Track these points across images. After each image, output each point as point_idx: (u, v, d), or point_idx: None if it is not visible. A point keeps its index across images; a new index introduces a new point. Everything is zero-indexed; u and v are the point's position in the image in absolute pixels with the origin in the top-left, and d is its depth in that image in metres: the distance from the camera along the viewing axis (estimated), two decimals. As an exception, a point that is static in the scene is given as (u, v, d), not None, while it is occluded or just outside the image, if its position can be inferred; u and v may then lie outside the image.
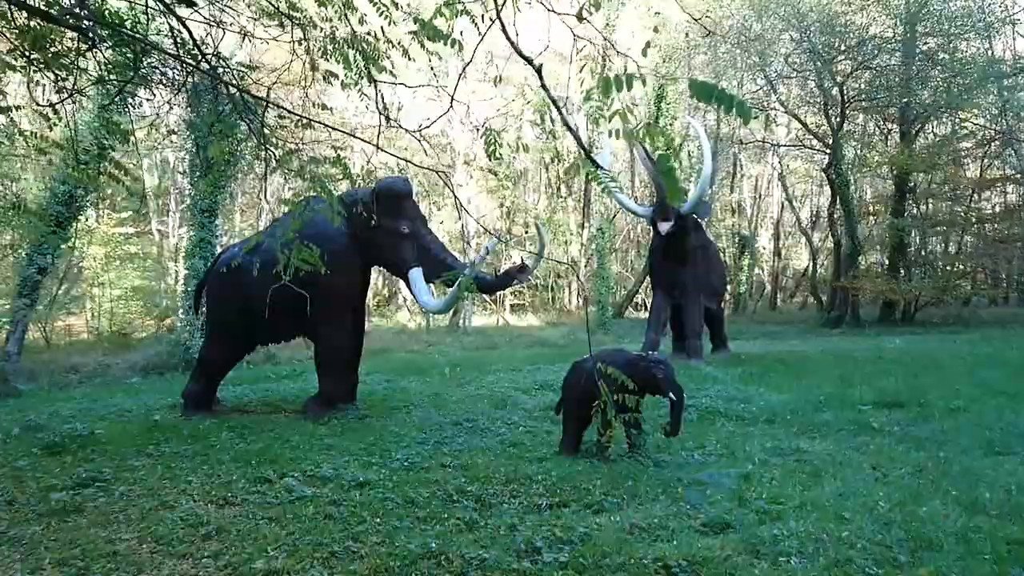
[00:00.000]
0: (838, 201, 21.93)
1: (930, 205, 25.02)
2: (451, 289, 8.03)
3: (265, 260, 8.61)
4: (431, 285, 8.50)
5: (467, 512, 4.93)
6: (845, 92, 19.87)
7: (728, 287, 31.40)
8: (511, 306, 30.01)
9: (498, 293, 27.63)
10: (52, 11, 4.79)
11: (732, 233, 29.85)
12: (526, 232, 32.28)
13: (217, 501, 5.34)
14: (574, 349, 16.92)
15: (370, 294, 28.78)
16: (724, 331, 14.39)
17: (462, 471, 5.96)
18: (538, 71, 3.09)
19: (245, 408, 9.43)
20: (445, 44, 4.37)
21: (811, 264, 28.41)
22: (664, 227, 12.22)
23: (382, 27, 5.25)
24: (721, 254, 32.50)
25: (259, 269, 8.49)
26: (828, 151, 21.65)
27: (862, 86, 20.46)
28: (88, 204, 15.51)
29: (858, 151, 24.49)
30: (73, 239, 15.45)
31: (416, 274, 8.36)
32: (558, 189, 31.45)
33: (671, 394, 6.04)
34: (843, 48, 18.87)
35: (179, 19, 4.48)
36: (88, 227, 19.21)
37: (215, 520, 4.88)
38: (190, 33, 4.57)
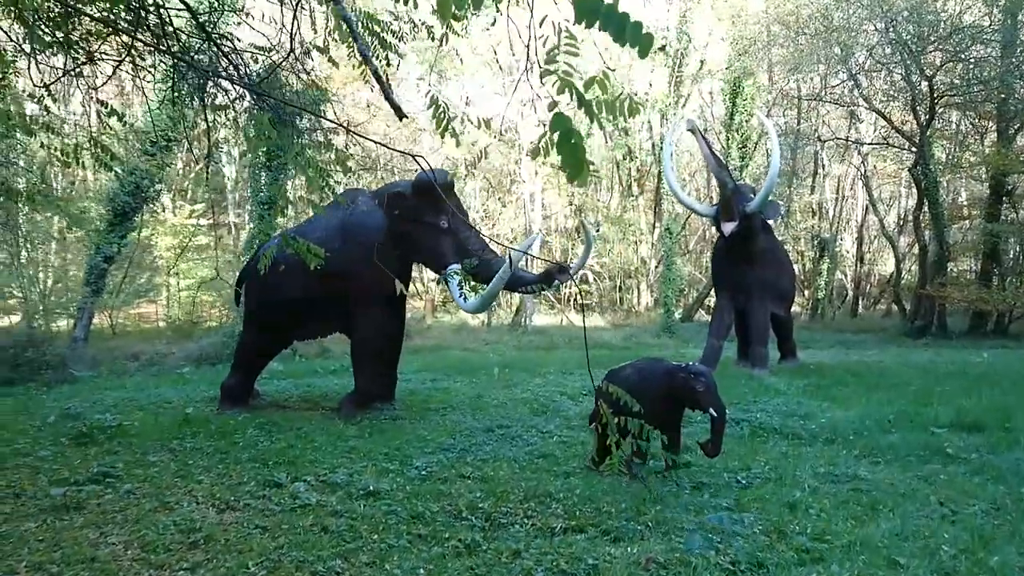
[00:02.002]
0: (925, 203, 20.51)
1: (1030, 209, 23.20)
2: (486, 288, 7.66)
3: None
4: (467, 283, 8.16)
5: (472, 532, 4.52)
6: (935, 86, 18.50)
7: (805, 292, 30.16)
8: (577, 306, 29.38)
9: (563, 292, 27.15)
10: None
11: (811, 235, 28.44)
12: (597, 231, 31.65)
13: (219, 505, 5.11)
14: (635, 352, 16.30)
15: (437, 290, 28.71)
16: (793, 339, 13.53)
17: (480, 484, 5.56)
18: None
19: (284, 403, 9.28)
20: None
21: (896, 270, 26.78)
22: (728, 228, 11.50)
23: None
24: (800, 257, 31.26)
25: (293, 263, 8.31)
26: (915, 150, 20.24)
27: (954, 80, 19.00)
28: (154, 194, 15.76)
29: (950, 150, 22.91)
30: (139, 229, 15.74)
31: (454, 271, 7.98)
32: (629, 187, 30.67)
33: (712, 410, 5.48)
34: (933, 39, 17.52)
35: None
36: (157, 218, 19.59)
37: (208, 527, 4.63)
38: (190, 10, 4.29)
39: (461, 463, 6.17)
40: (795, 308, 30.60)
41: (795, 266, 31.71)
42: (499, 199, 27.03)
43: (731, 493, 5.33)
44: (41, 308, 15.60)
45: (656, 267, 29.45)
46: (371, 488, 5.36)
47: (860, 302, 31.01)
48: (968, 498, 5.23)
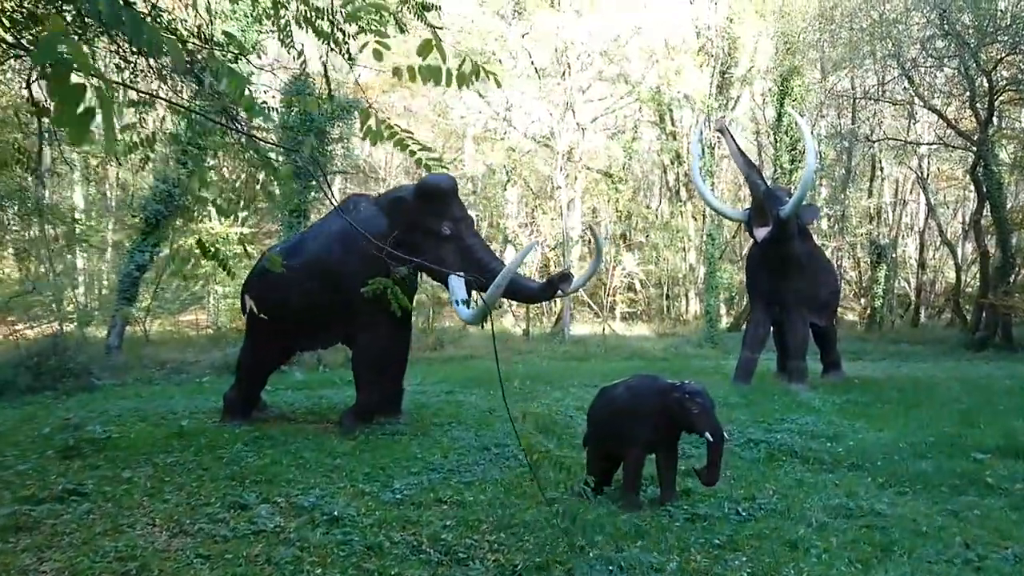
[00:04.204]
0: (987, 207, 19.25)
1: (1106, 212, 21.61)
2: (484, 296, 7.26)
3: (302, 262, 8.18)
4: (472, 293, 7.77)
5: (423, 569, 4.12)
6: (994, 81, 17.32)
7: (862, 300, 28.78)
8: (622, 315, 28.73)
9: (605, 300, 26.56)
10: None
11: (868, 241, 27.15)
12: (646, 238, 30.91)
13: (173, 528, 4.83)
14: (673, 364, 15.71)
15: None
16: (836, 351, 12.73)
17: (456, 510, 5.16)
18: None
19: (289, 416, 9.03)
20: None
21: (956, 278, 25.36)
22: (761, 233, 10.83)
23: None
24: (857, 264, 29.87)
25: (295, 271, 8.05)
26: (973, 150, 18.98)
27: (1016, 74, 17.71)
28: (187, 204, 15.80)
29: (1016, 150, 21.47)
30: (172, 237, 15.81)
31: (455, 281, 7.60)
32: (677, 193, 29.87)
33: (708, 433, 4.97)
34: (991, 29, 16.33)
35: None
36: (200, 226, 19.69)
37: (149, 554, 4.34)
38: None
39: (443, 486, 5.76)
40: (852, 317, 29.44)
41: (852, 273, 30.55)
42: (538, 206, 26.56)
43: (727, 527, 4.79)
44: (73, 316, 15.73)
45: (704, 275, 28.61)
46: (336, 514, 5.00)
47: (922, 311, 29.53)
48: (1000, 539, 4.60)
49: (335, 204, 4.07)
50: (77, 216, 21.72)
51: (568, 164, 22.91)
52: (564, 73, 22.00)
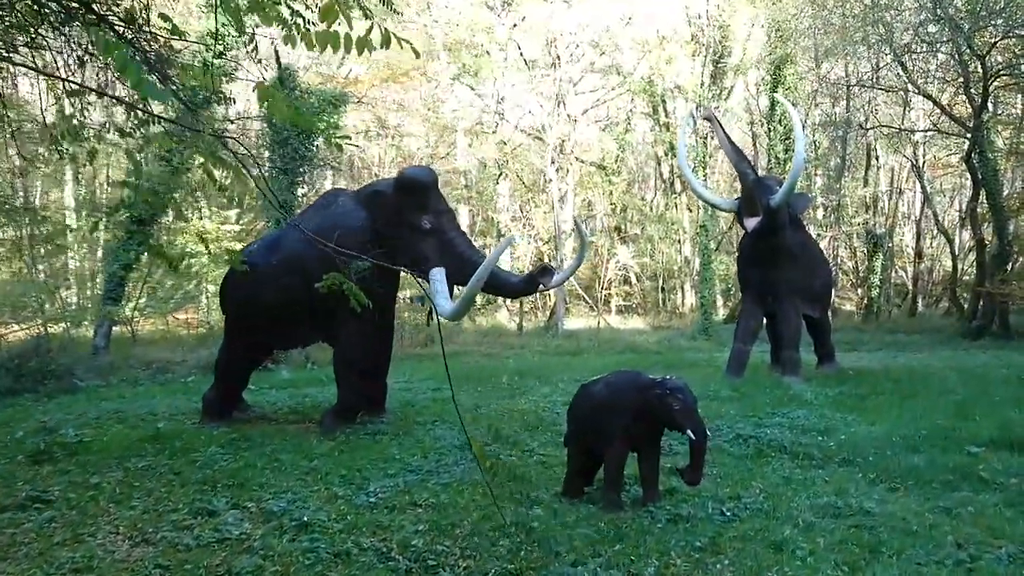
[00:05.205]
0: (982, 194, 19.02)
1: (1104, 198, 21.37)
2: (463, 291, 7.08)
3: (280, 258, 8.00)
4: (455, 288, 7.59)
5: (390, 578, 3.93)
6: (988, 66, 17.07)
7: (859, 290, 28.59)
8: (617, 307, 28.53)
9: (599, 293, 26.37)
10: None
11: (864, 231, 26.95)
12: (641, 231, 30.70)
13: (135, 537, 4.65)
14: (666, 357, 15.57)
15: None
16: (831, 342, 12.55)
17: (431, 513, 4.98)
18: None
19: (271, 416, 8.84)
20: None
21: (952, 266, 25.19)
22: (752, 223, 10.65)
23: None
24: (853, 254, 29.66)
25: (273, 267, 7.88)
26: (968, 136, 18.73)
27: (1010, 59, 17.45)
28: (172, 201, 15.60)
29: (1012, 136, 21.24)
30: (156, 236, 15.59)
31: (437, 275, 7.41)
32: (671, 184, 29.67)
33: (689, 431, 4.79)
34: (984, 12, 16.06)
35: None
36: (189, 225, 19.49)
37: (107, 566, 4.18)
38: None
39: (420, 488, 5.58)
40: (849, 307, 29.26)
41: (849, 263, 30.35)
42: (531, 199, 26.37)
43: (710, 528, 4.62)
44: (59, 316, 15.53)
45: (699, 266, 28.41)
46: (306, 520, 4.81)
47: (919, 300, 29.35)
48: (994, 538, 4.42)
49: (272, 200, 3.86)
50: (67, 215, 21.56)
51: (560, 156, 22.68)
52: (554, 64, 21.76)
